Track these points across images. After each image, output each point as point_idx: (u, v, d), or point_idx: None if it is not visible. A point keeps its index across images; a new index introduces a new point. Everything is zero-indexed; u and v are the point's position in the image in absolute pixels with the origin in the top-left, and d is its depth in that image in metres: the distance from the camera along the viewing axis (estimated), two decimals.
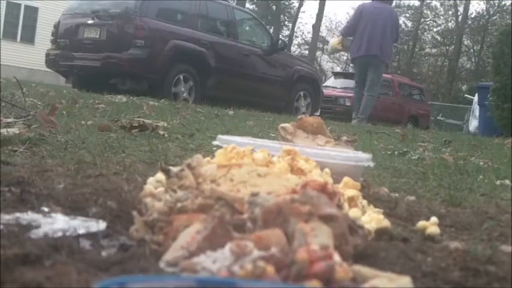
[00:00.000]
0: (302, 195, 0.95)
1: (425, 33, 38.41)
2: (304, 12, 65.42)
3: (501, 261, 1.06)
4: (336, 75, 18.48)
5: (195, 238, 0.87)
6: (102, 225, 1.06)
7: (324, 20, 34.01)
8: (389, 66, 9.38)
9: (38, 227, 1.00)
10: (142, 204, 1.13)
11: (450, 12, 37.47)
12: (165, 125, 3.36)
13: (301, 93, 10.52)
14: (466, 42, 36.42)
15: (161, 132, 2.94)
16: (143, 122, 3.08)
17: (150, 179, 1.24)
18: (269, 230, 0.85)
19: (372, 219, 1.22)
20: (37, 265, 0.82)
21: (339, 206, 1.12)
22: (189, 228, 0.92)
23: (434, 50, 38.40)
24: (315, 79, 10.90)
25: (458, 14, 35.88)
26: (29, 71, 21.25)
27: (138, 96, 6.86)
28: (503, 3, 34.22)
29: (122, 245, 0.98)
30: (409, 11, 37.88)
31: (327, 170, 1.45)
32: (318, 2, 31.24)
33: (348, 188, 1.36)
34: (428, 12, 38.28)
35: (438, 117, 20.98)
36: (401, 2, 36.41)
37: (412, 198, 1.77)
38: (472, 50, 36.98)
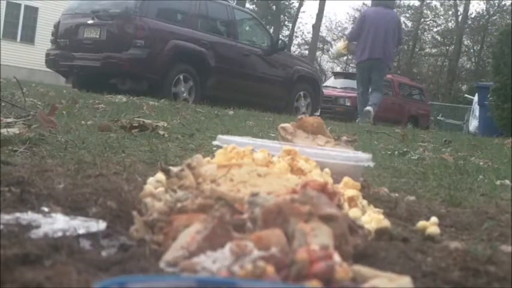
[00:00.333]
0: (302, 195, 0.95)
1: (425, 33, 38.41)
2: (304, 12, 65.52)
3: (501, 261, 1.06)
4: (336, 75, 18.48)
5: (195, 238, 0.87)
6: (102, 225, 1.06)
7: (324, 20, 34.03)
8: (391, 68, 9.58)
9: (38, 227, 1.00)
10: (142, 204, 1.13)
11: (450, 12, 37.47)
12: (165, 125, 3.36)
13: (301, 93, 10.52)
14: (466, 42, 36.42)
15: (161, 132, 2.94)
16: (143, 122, 3.08)
17: (150, 179, 1.24)
18: (269, 230, 0.85)
19: (372, 219, 1.22)
20: (37, 265, 0.82)
21: (339, 206, 1.12)
22: (189, 228, 0.92)
23: (434, 50, 38.39)
24: (315, 79, 10.90)
25: (458, 14, 35.88)
26: (29, 71, 21.26)
27: (138, 96, 6.86)
28: (503, 3, 34.24)
29: (122, 245, 0.98)
30: (409, 11, 37.87)
31: (327, 170, 1.45)
32: (318, 2, 31.26)
33: (348, 188, 1.36)
34: (428, 12, 38.28)
35: (438, 117, 20.97)
36: (401, 2, 36.38)
37: (412, 198, 1.77)
38: (472, 50, 36.98)
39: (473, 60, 36.69)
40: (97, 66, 8.55)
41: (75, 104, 4.59)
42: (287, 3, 38.47)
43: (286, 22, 39.04)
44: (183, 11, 9.23)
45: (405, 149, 3.64)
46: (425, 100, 18.18)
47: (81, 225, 1.04)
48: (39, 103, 4.16)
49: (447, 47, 36.87)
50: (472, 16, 36.14)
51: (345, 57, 33.98)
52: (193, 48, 8.89)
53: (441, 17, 38.21)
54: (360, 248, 1.00)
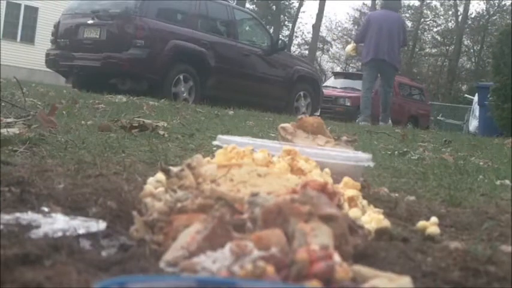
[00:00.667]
0: (302, 195, 0.95)
1: (425, 33, 38.38)
2: (304, 12, 65.44)
3: (501, 261, 1.06)
4: (336, 75, 18.46)
5: (195, 238, 0.87)
6: (102, 225, 1.06)
7: (324, 20, 34.00)
8: (399, 69, 9.86)
9: (38, 227, 1.00)
10: (142, 204, 1.13)
11: (450, 12, 37.45)
12: (165, 125, 3.36)
13: (301, 93, 10.52)
14: (466, 42, 36.39)
15: (161, 132, 2.94)
16: (143, 122, 3.08)
17: (150, 179, 1.24)
18: (269, 230, 0.85)
19: (372, 219, 1.22)
20: (37, 265, 0.82)
21: (339, 206, 1.12)
22: (189, 228, 0.92)
23: (434, 50, 38.37)
24: (315, 79, 10.89)
25: (458, 14, 35.86)
26: (29, 71, 21.25)
27: (138, 96, 6.86)
28: (503, 3, 34.21)
29: (122, 245, 0.98)
30: (409, 11, 37.83)
31: (327, 170, 1.45)
32: (318, 2, 31.24)
33: (348, 188, 1.36)
34: (428, 12, 38.26)
35: (438, 117, 20.96)
36: (402, 2, 36.34)
37: (412, 198, 1.77)
38: (472, 50, 36.96)
39: (473, 60, 36.67)
40: (97, 66, 8.55)
41: (75, 104, 4.59)
42: (287, 3, 38.46)
43: (286, 22, 39.03)
44: (183, 11, 9.23)
45: (405, 149, 3.64)
46: (425, 100, 18.16)
47: (81, 225, 1.04)
48: (39, 103, 4.16)
49: (447, 47, 36.85)
50: (472, 16, 36.13)
51: (345, 58, 34.03)
52: (193, 48, 8.89)
53: (441, 17, 38.20)
54: (360, 248, 1.00)
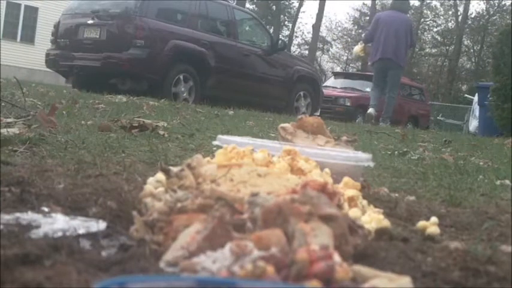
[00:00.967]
0: (302, 195, 0.95)
1: (425, 33, 38.38)
2: (304, 12, 65.51)
3: (501, 261, 1.06)
4: (336, 75, 18.44)
5: (195, 238, 0.87)
6: (102, 225, 1.06)
7: (324, 20, 34.02)
8: (405, 67, 9.99)
9: (38, 227, 1.00)
10: (142, 204, 1.13)
11: (450, 12, 37.45)
12: (165, 125, 3.36)
13: (301, 93, 10.52)
14: (466, 42, 36.38)
15: (161, 132, 2.94)
16: (143, 122, 3.08)
17: (150, 179, 1.24)
18: (269, 230, 0.85)
19: (372, 219, 1.22)
20: (37, 265, 0.82)
21: (339, 206, 1.12)
22: (189, 228, 0.92)
23: (434, 50, 38.37)
24: (315, 79, 10.90)
25: (458, 14, 35.85)
26: (29, 71, 21.25)
27: (138, 96, 6.86)
28: (503, 3, 34.21)
29: (121, 245, 0.98)
30: (409, 11, 37.80)
31: (327, 170, 1.45)
32: (318, 2, 31.25)
33: (348, 188, 1.36)
34: (428, 12, 38.25)
35: (438, 117, 20.95)
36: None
37: (412, 198, 1.77)
38: (472, 50, 36.95)
39: (473, 60, 36.66)
40: (97, 66, 8.55)
41: (75, 104, 4.59)
42: (287, 3, 38.45)
43: (286, 22, 39.02)
44: (183, 11, 9.23)
45: (405, 149, 3.64)
46: (425, 100, 18.15)
47: (81, 225, 1.04)
48: (39, 103, 4.16)
49: (447, 47, 36.84)
50: (472, 16, 36.12)
51: (345, 58, 34.00)
52: (193, 48, 8.89)
53: (441, 17, 38.20)
54: (360, 248, 1.00)
